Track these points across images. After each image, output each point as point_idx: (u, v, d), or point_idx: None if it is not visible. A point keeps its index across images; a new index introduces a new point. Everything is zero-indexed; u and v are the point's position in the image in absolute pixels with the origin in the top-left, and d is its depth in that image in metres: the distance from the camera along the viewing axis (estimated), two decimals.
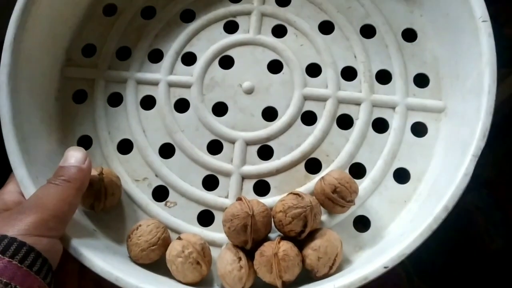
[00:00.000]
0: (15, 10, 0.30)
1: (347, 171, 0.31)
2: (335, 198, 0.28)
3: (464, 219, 0.43)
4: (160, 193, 0.32)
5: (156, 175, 0.32)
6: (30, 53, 0.31)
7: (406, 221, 0.29)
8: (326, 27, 0.34)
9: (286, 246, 0.27)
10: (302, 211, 0.27)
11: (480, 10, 0.28)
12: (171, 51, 0.33)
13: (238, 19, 0.34)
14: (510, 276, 0.45)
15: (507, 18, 0.44)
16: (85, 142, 0.33)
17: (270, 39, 0.33)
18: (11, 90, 0.29)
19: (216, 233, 0.30)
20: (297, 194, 0.28)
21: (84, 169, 0.27)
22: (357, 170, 0.31)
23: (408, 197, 0.30)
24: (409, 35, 0.33)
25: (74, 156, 0.27)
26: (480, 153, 0.27)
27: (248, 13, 0.34)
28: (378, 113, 0.32)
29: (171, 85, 0.33)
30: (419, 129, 0.32)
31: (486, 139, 0.27)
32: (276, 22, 0.34)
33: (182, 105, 0.33)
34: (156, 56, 0.34)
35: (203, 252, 0.28)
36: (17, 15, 0.30)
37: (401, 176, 0.31)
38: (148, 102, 0.33)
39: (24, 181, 0.28)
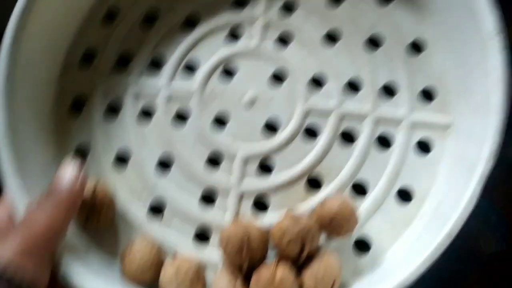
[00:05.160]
0: (13, 16, 0.29)
1: (349, 188, 0.30)
2: (332, 229, 0.27)
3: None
4: (156, 210, 0.31)
5: (153, 190, 0.31)
6: (27, 60, 0.30)
7: (408, 244, 0.29)
8: (331, 38, 0.32)
9: (283, 272, 0.26)
10: (299, 234, 0.26)
11: (491, 25, 0.27)
12: (171, 61, 0.33)
13: (241, 28, 0.33)
14: (507, 280, 0.44)
15: (508, 21, 0.42)
16: (81, 155, 0.32)
17: (273, 49, 0.32)
18: (7, 98, 0.28)
19: (212, 253, 0.30)
20: (294, 216, 0.27)
21: (76, 191, 0.26)
22: (359, 188, 0.31)
23: (411, 218, 0.30)
24: (416, 46, 0.32)
25: (68, 174, 0.26)
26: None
27: (251, 22, 0.33)
28: (382, 129, 0.31)
29: (170, 96, 0.32)
30: (424, 146, 0.31)
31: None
32: (279, 32, 0.33)
33: (181, 118, 0.32)
34: (156, 66, 0.33)
35: (197, 275, 0.27)
36: (16, 21, 0.29)
37: (404, 195, 0.30)
38: (146, 114, 0.32)
39: (17, 197, 0.27)
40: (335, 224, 0.27)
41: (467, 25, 0.28)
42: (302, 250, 0.26)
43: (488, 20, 0.27)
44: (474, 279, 0.43)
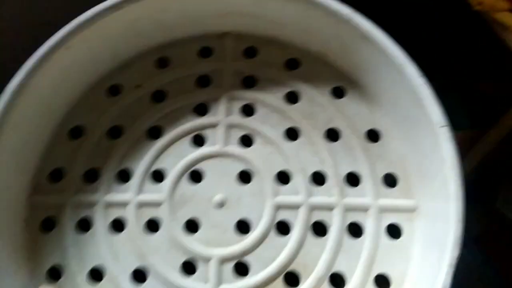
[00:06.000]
0: None
1: (326, 282, 0.30)
2: None
3: (456, 278, 0.42)
4: None
5: None
6: None
7: None
8: (292, 134, 0.34)
9: None
10: None
11: (437, 116, 0.29)
12: (139, 170, 0.33)
13: (205, 132, 0.34)
14: None
15: (482, 73, 0.45)
16: (55, 273, 0.31)
17: (238, 149, 0.34)
18: None
19: None
20: None
21: None
22: (337, 280, 0.31)
23: None
24: (373, 135, 0.34)
25: None
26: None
27: (214, 126, 0.34)
28: (352, 217, 0.32)
29: (140, 205, 0.33)
30: (394, 231, 0.32)
31: (462, 243, 0.26)
32: (242, 132, 0.34)
33: (153, 225, 0.32)
34: (124, 176, 0.34)
35: None
36: None
37: (382, 282, 0.30)
38: (118, 225, 0.32)
39: None
40: None
41: (416, 115, 0.30)
42: None
43: (435, 112, 0.29)
44: None
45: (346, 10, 0.31)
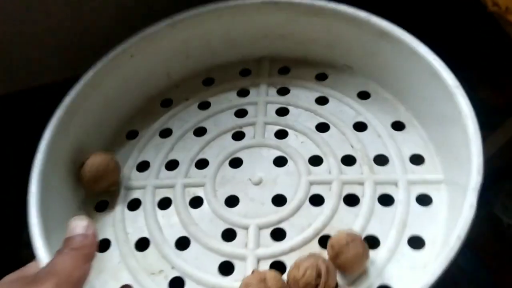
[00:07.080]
0: (52, 124, 0.34)
1: None
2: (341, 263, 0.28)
3: (449, 282, 0.40)
4: (176, 284, 0.31)
5: (172, 267, 0.32)
6: (61, 167, 0.35)
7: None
8: (323, 127, 0.38)
9: None
10: (314, 261, 0.27)
11: (451, 80, 0.32)
12: (186, 159, 0.37)
13: (245, 129, 0.38)
14: None
15: (480, 82, 0.47)
16: (104, 245, 0.34)
17: (273, 140, 0.37)
18: (40, 199, 0.32)
19: None
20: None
21: (89, 236, 0.28)
22: (371, 241, 0.31)
23: (428, 261, 0.30)
24: (398, 126, 0.37)
25: (78, 225, 0.28)
26: None
27: (252, 124, 0.38)
28: (382, 190, 0.34)
29: (186, 186, 0.36)
30: (424, 199, 0.33)
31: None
32: (277, 128, 0.38)
33: (196, 202, 0.35)
34: (172, 165, 0.37)
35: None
36: (56, 123, 0.34)
37: (416, 242, 0.31)
38: (164, 203, 0.35)
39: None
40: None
41: (434, 89, 0.34)
42: (319, 278, 0.27)
43: (449, 77, 0.32)
44: None
45: (363, 13, 0.36)
